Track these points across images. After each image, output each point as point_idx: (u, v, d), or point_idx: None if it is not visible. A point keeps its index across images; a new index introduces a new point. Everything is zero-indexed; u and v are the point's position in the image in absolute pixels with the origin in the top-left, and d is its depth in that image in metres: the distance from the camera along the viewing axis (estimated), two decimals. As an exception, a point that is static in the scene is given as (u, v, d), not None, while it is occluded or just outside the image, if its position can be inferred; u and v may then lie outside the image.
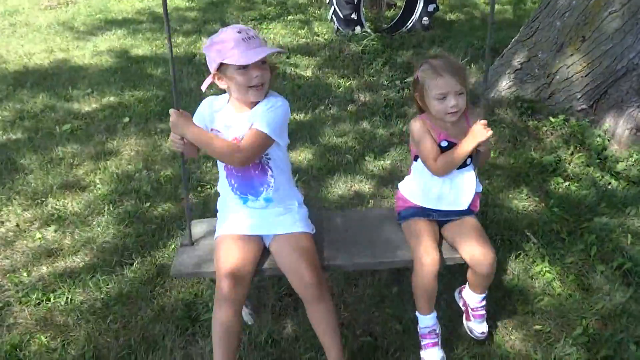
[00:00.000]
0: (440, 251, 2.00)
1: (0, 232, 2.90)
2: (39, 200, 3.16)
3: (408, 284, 2.53)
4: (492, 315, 2.33)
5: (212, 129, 1.96)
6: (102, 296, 2.46)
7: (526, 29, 4.10)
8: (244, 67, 1.80)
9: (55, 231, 2.90)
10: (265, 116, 1.85)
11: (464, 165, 2.01)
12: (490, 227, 2.91)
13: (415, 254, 1.96)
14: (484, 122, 1.90)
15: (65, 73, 5.02)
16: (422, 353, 2.04)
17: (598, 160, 3.44)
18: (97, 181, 3.32)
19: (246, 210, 1.99)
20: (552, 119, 3.78)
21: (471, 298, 2.08)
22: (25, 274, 2.60)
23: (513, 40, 4.24)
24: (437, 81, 1.91)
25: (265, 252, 2.01)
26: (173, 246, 2.75)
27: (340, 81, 4.84)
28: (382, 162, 3.54)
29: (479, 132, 1.89)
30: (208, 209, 2.93)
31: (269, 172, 1.95)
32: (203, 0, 7.46)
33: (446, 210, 2.06)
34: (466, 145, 1.92)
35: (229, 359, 1.83)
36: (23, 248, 2.78)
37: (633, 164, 3.38)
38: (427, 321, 2.03)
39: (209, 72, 1.92)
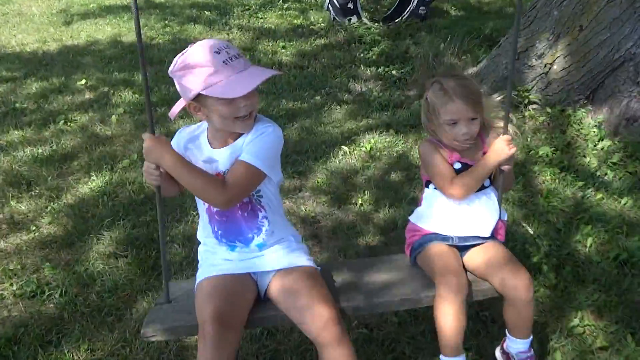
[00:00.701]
0: (467, 279, 1.72)
1: (-6, 225, 2.88)
2: (33, 193, 3.13)
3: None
4: (488, 307, 2.34)
5: None
6: (97, 289, 2.45)
7: (523, 18, 4.07)
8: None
9: (50, 223, 2.88)
10: (253, 146, 1.53)
11: (481, 187, 1.80)
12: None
13: (437, 278, 1.68)
14: (508, 137, 1.68)
15: (58, 63, 4.96)
16: None
17: (595, 151, 3.43)
18: (92, 173, 3.30)
19: (235, 254, 1.68)
20: (549, 109, 3.77)
21: (514, 346, 1.77)
22: (19, 267, 2.58)
23: (510, 30, 4.21)
24: (448, 106, 1.70)
25: (257, 302, 1.67)
26: (168, 238, 2.74)
27: (337, 71, 4.81)
28: (378, 152, 3.53)
29: (502, 149, 1.67)
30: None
31: (261, 213, 1.63)
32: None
33: (466, 236, 1.81)
34: (487, 163, 1.71)
35: None
36: (17, 240, 2.76)
37: (629, 155, 3.37)
38: None
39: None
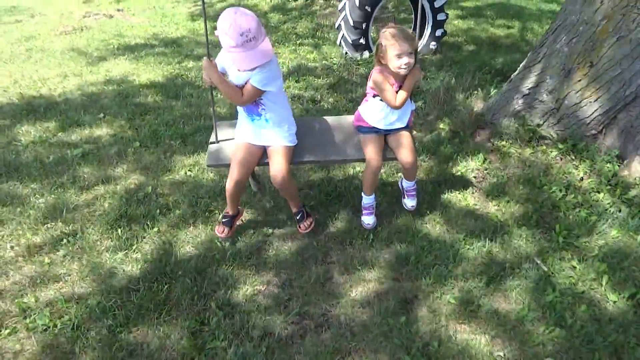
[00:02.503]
0: (385, 154, 2.93)
1: (10, 256, 2.92)
2: (48, 225, 3.18)
3: (415, 314, 2.51)
4: (502, 347, 2.30)
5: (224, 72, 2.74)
6: (108, 323, 2.46)
7: (533, 54, 4.11)
8: None
9: (64, 256, 2.92)
10: (258, 76, 2.58)
11: None
12: (499, 254, 2.88)
13: (367, 157, 2.88)
14: (418, 66, 2.75)
15: (78, 98, 5.10)
16: (362, 218, 3.09)
17: (608, 187, 3.40)
18: (107, 205, 3.35)
19: (252, 126, 2.86)
20: (561, 145, 3.76)
21: (405, 184, 3.15)
22: (33, 300, 2.60)
23: (521, 65, 4.25)
24: (395, 45, 2.64)
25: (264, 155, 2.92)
26: (180, 272, 2.76)
27: (349, 105, 4.86)
28: (390, 188, 3.54)
29: (416, 73, 2.75)
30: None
31: (260, 107, 2.76)
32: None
33: (391, 128, 2.93)
34: (409, 83, 2.77)
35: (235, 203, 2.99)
36: (31, 273, 2.80)
37: (644, 190, 3.34)
38: (368, 200, 3.04)
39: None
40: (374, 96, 2.92)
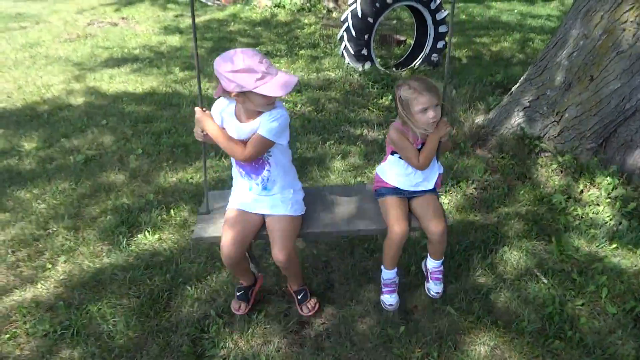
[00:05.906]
0: (409, 221, 2.46)
1: (11, 261, 2.93)
2: (50, 230, 3.19)
3: (415, 324, 2.51)
4: (501, 359, 2.30)
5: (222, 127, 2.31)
6: (108, 329, 2.46)
7: (534, 67, 4.15)
8: None
9: (65, 262, 2.92)
10: (268, 125, 2.19)
11: None
12: (499, 265, 2.89)
13: (388, 224, 2.44)
14: (444, 119, 2.37)
15: (81, 104, 5.13)
16: (382, 297, 2.62)
17: (608, 200, 3.42)
18: (108, 212, 3.36)
19: (250, 194, 2.41)
20: (561, 157, 3.78)
21: (430, 264, 2.64)
22: (33, 305, 2.61)
23: (521, 78, 4.28)
24: (419, 98, 2.28)
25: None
26: (180, 279, 2.76)
27: (350, 116, 4.89)
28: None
29: (441, 127, 2.36)
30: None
31: (266, 167, 2.35)
32: (214, 36, 7.66)
33: (416, 190, 2.53)
34: (434, 139, 2.38)
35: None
36: (32, 278, 2.80)
37: (644, 204, 3.35)
38: (389, 274, 2.59)
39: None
40: (393, 153, 2.54)
